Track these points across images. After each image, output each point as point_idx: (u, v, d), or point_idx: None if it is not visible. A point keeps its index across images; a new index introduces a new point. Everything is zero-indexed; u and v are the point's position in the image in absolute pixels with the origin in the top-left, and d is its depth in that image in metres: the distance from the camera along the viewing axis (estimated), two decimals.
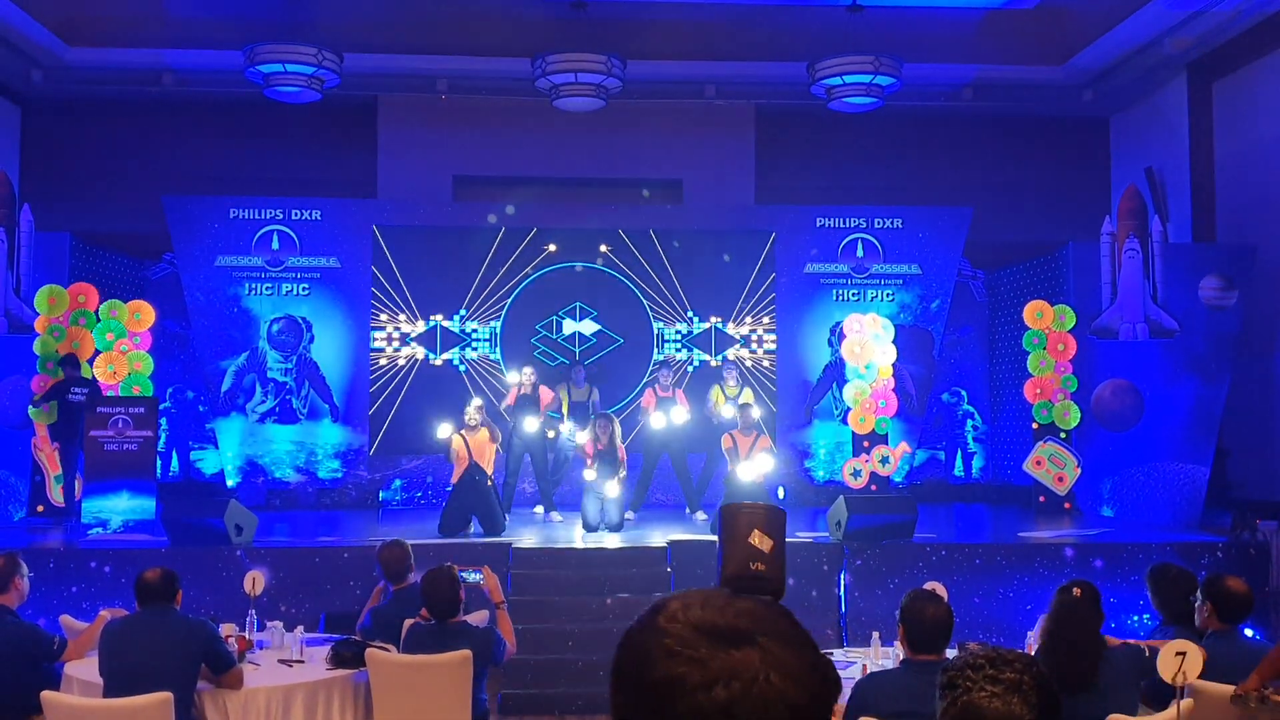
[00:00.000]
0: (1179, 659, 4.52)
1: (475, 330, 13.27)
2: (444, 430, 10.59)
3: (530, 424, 11.00)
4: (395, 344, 13.19)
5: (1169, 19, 12.14)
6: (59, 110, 14.13)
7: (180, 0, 12.64)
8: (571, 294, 13.39)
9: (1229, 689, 4.86)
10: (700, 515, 11.03)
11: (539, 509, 11.52)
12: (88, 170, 14.12)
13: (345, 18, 12.53)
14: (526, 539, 9.73)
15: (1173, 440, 11.90)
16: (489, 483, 10.16)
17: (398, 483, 13.00)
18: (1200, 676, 4.65)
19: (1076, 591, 4.80)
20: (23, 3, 12.01)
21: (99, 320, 11.47)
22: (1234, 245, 12.57)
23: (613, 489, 10.21)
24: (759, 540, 4.57)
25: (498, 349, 13.27)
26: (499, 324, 13.28)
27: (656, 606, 1.25)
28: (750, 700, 1.15)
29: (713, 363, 13.31)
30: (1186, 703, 4.65)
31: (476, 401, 10.59)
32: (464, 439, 10.21)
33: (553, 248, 13.32)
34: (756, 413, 10.76)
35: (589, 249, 13.41)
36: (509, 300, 13.29)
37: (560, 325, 13.34)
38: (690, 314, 13.46)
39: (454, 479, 10.25)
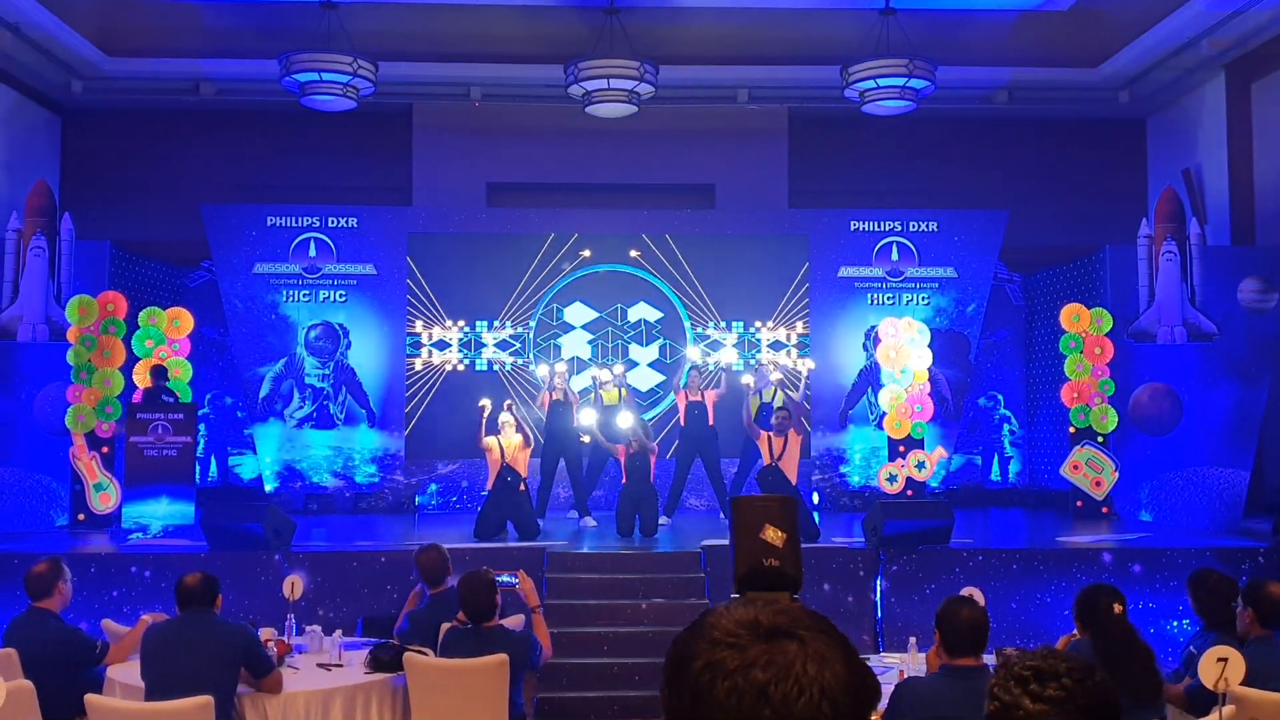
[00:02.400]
0: (1221, 665, 4.48)
1: (511, 335, 13.32)
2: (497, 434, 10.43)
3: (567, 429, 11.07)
4: (438, 349, 13.25)
5: (1206, 20, 12.02)
6: (98, 120, 14.32)
7: (217, 11, 12.80)
8: (606, 298, 13.41)
9: (1271, 696, 4.81)
10: None
11: (573, 513, 11.55)
12: (127, 179, 14.28)
13: (380, 26, 12.62)
14: (561, 543, 9.76)
15: (1212, 444, 11.77)
16: (523, 487, 10.21)
17: (433, 487, 13.07)
18: (1242, 683, 4.60)
19: (1118, 609, 4.74)
20: (63, 14, 12.19)
21: (129, 328, 11.56)
22: (1274, 247, 12.42)
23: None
24: (772, 535, 4.46)
25: (532, 354, 13.30)
26: (534, 327, 13.32)
27: (704, 612, 1.31)
28: (787, 684, 1.19)
29: (747, 371, 13.28)
30: (1228, 709, 4.60)
31: (507, 404, 10.63)
32: (498, 442, 10.28)
33: (588, 253, 13.34)
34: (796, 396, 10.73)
35: (621, 254, 13.42)
36: (542, 306, 13.33)
37: (561, 313, 13.35)
38: (722, 319, 13.45)
39: (489, 484, 10.31)
